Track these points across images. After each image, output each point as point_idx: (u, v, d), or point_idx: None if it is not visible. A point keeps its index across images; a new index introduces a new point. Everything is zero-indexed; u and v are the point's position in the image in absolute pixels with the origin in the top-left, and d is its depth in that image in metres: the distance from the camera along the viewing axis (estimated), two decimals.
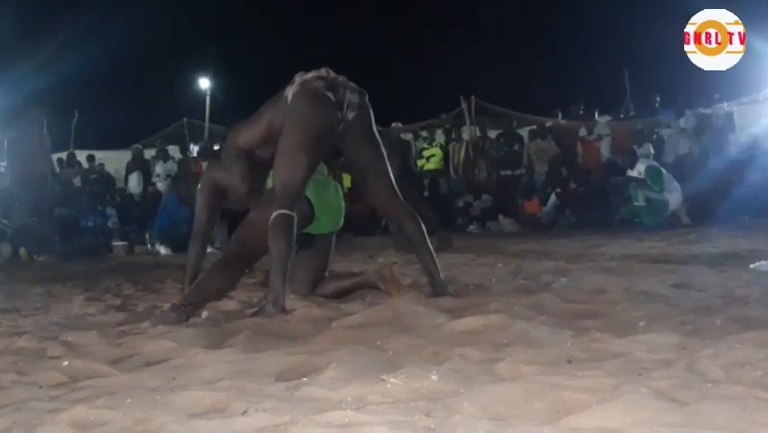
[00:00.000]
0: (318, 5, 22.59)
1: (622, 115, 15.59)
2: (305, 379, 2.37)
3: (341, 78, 3.98)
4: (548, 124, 15.02)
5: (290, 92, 3.91)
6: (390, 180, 4.15)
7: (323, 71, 3.96)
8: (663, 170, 10.20)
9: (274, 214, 3.72)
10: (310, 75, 3.94)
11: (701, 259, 5.53)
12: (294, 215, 3.74)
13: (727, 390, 1.99)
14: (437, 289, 4.06)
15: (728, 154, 12.19)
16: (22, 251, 10.13)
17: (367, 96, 4.04)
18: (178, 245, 9.00)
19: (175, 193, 10.43)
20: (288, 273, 3.75)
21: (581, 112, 15.24)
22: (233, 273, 4.00)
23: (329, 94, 3.87)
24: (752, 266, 4.72)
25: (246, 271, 4.35)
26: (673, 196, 9.83)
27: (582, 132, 14.29)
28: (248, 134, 4.09)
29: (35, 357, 3.04)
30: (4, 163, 12.67)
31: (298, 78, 3.95)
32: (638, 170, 10.03)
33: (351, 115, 3.92)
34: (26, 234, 10.27)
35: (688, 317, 3.04)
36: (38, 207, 9.95)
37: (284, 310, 3.63)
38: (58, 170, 13.27)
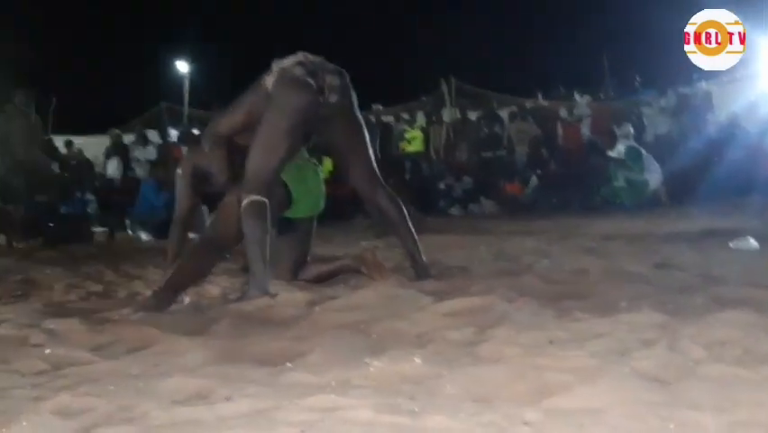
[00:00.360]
0: None
1: (602, 95, 15.62)
2: (288, 364, 2.37)
3: (318, 61, 3.96)
4: (528, 104, 15.03)
5: (270, 80, 3.89)
6: (372, 163, 4.15)
7: (300, 56, 3.94)
8: (643, 151, 10.25)
9: (246, 200, 3.72)
10: (288, 61, 3.92)
11: (681, 238, 5.57)
12: (265, 200, 3.73)
13: (709, 368, 2.01)
14: (420, 272, 4.07)
15: (707, 133, 12.26)
16: (1, 238, 10.04)
17: (348, 77, 4.02)
18: (159, 231, 8.93)
19: (154, 178, 10.36)
20: (267, 257, 3.74)
21: (562, 92, 15.27)
22: (210, 257, 3.99)
23: (309, 80, 3.85)
24: (731, 244, 4.76)
25: (225, 255, 4.34)
26: (653, 176, 9.89)
27: (563, 113, 14.32)
28: (228, 122, 4.08)
29: (17, 345, 3.01)
30: None
31: (276, 67, 3.93)
32: (618, 151, 10.07)
33: (332, 98, 3.91)
34: (5, 220, 10.19)
35: (669, 297, 3.07)
36: (31, 193, 9.86)
37: (268, 292, 3.63)
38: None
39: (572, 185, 11.63)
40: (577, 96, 14.85)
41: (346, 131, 4.08)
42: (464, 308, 3.09)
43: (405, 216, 4.15)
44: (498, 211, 11.85)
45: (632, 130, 12.06)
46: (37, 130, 9.92)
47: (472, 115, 15.13)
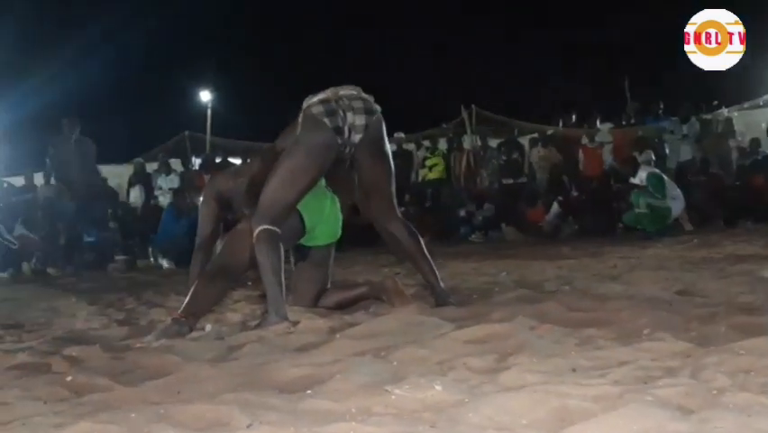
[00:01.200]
0: (318, 18, 22.65)
1: (624, 122, 15.61)
2: (309, 391, 2.37)
3: (346, 99, 3.95)
4: (549, 131, 15.04)
5: (299, 118, 3.94)
6: (392, 197, 4.19)
7: (328, 93, 3.96)
8: (665, 177, 10.19)
9: (258, 229, 3.75)
10: (315, 98, 3.95)
11: (704, 265, 5.52)
12: (277, 229, 3.76)
13: (733, 397, 1.98)
14: (440, 299, 4.07)
15: (729, 160, 12.20)
16: (26, 266, 10.17)
17: (378, 112, 4.03)
18: (180, 258, 9.00)
19: (175, 205, 10.43)
20: (283, 283, 3.77)
21: (582, 120, 15.28)
22: (224, 284, 4.00)
23: (326, 120, 3.86)
24: (765, 274, 4.66)
25: (236, 281, 4.36)
26: (675, 203, 9.82)
27: (584, 139, 14.31)
28: (281, 144, 4.12)
29: (39, 372, 3.04)
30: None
31: (305, 103, 3.98)
32: (640, 178, 10.01)
33: (356, 137, 3.92)
34: (31, 248, 10.34)
35: (692, 325, 3.03)
36: (87, 218, 10.04)
37: (286, 319, 3.64)
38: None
39: (594, 211, 11.59)
40: (599, 123, 14.84)
41: (370, 166, 4.08)
42: (486, 335, 3.08)
43: (420, 245, 4.17)
44: (519, 238, 11.81)
45: (653, 156, 12.02)
46: (87, 156, 10.02)
47: (493, 143, 15.15)
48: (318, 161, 3.90)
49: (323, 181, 4.21)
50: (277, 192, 3.85)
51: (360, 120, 3.93)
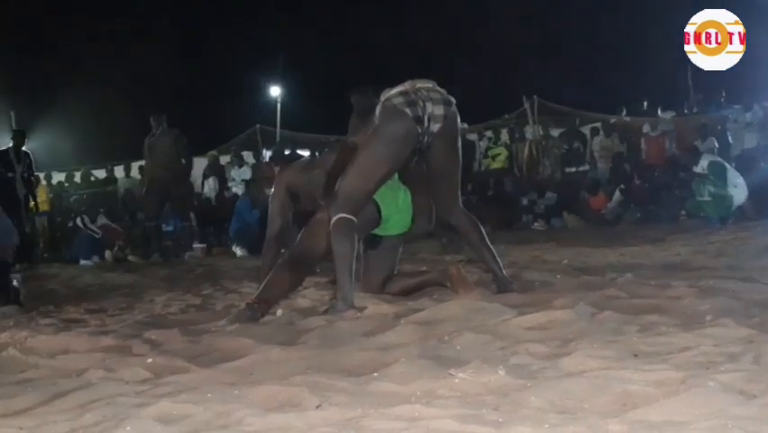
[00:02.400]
0: (386, 11, 22.57)
1: (686, 111, 15.30)
2: (375, 374, 2.44)
3: (424, 91, 4.03)
4: (612, 120, 14.83)
5: (377, 109, 4.03)
6: (458, 189, 4.27)
7: (406, 85, 4.05)
8: (727, 165, 9.99)
9: (335, 217, 3.84)
10: (393, 91, 4.04)
11: (767, 252, 5.42)
12: (354, 219, 3.85)
13: None
14: (502, 286, 4.11)
15: None
16: (108, 254, 10.53)
17: (454, 105, 4.10)
18: (253, 246, 9.21)
19: (248, 196, 10.68)
20: (354, 272, 3.86)
21: (645, 108, 15.02)
22: (301, 272, 4.09)
23: (407, 110, 3.94)
24: None
25: (314, 269, 4.45)
26: (738, 190, 9.62)
27: (646, 128, 14.09)
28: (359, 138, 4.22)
29: (121, 355, 3.19)
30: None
31: (382, 96, 4.06)
32: (702, 166, 9.85)
33: (435, 127, 4.00)
34: (113, 237, 10.74)
35: (754, 311, 3.02)
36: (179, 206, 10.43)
37: (353, 306, 3.73)
38: (139, 177, 13.65)
39: (656, 199, 11.43)
40: (660, 112, 14.58)
41: (442, 156, 4.15)
42: (548, 321, 3.11)
43: (482, 234, 4.23)
44: (580, 226, 11.71)
45: (716, 144, 11.79)
46: (180, 146, 10.25)
47: (555, 132, 15.02)
48: (398, 150, 4.00)
49: (396, 176, 4.28)
50: (356, 181, 3.94)
51: (438, 110, 4.00)
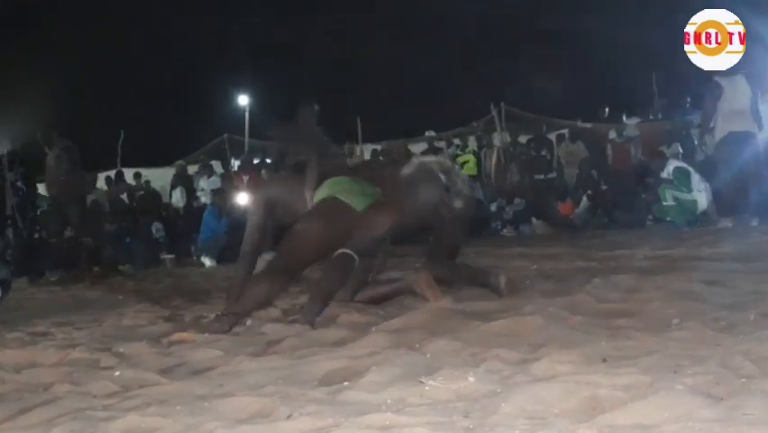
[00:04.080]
0: (352, 21, 22.64)
1: (651, 117, 15.49)
2: (346, 383, 2.45)
3: (457, 168, 4.43)
4: (580, 125, 14.98)
5: (407, 169, 4.29)
6: (443, 253, 4.43)
7: (441, 158, 4.52)
8: (692, 170, 10.12)
9: (340, 250, 3.94)
10: (428, 158, 4.42)
11: (732, 256, 5.48)
12: (356, 257, 3.97)
13: (761, 384, 2.02)
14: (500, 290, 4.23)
15: (758, 151, 12.01)
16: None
17: (474, 196, 4.34)
18: (221, 256, 9.19)
19: (215, 205, 10.60)
20: (329, 302, 3.97)
21: (606, 115, 15.21)
22: (278, 284, 4.05)
23: (441, 175, 4.21)
24: None
25: (293, 280, 4.44)
26: (702, 195, 9.76)
27: (612, 134, 14.24)
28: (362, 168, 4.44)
29: (89, 368, 3.15)
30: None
31: (416, 159, 4.44)
32: (667, 171, 9.99)
33: (458, 203, 4.21)
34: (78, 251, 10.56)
35: (720, 314, 3.06)
36: (83, 223, 10.14)
37: (312, 326, 3.72)
38: (105, 187, 13.53)
39: (623, 205, 11.53)
40: (624, 118, 14.74)
41: (449, 231, 4.33)
42: (517, 327, 3.13)
43: (460, 271, 4.43)
44: (549, 232, 11.79)
45: (680, 150, 11.94)
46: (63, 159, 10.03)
47: (522, 139, 15.13)
48: (420, 206, 4.20)
49: (378, 190, 4.26)
50: (374, 226, 4.07)
51: (465, 189, 4.30)
